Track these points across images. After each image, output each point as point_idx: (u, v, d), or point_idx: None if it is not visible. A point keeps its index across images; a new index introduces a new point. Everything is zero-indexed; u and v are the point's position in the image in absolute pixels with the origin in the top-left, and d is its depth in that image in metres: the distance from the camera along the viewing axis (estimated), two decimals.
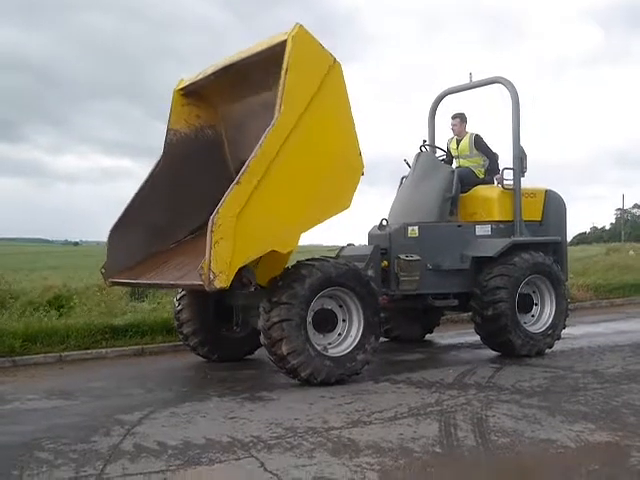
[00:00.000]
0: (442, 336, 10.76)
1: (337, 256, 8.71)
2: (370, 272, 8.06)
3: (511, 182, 9.25)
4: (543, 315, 9.15)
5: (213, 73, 8.29)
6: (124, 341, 9.81)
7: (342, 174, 7.39)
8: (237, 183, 6.69)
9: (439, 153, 10.25)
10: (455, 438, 5.23)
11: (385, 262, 8.43)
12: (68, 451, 5.08)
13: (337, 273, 7.31)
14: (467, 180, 9.48)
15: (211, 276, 6.42)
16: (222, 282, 6.46)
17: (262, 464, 4.70)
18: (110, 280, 8.35)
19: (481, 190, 9.48)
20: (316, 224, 7.31)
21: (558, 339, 9.16)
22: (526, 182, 9.47)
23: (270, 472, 4.53)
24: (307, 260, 7.39)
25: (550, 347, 9.04)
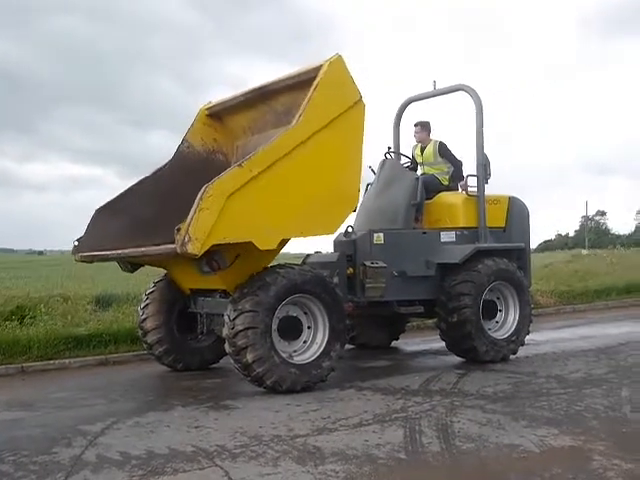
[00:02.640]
0: (407, 343, 10.79)
1: (303, 263, 8.69)
2: (335, 279, 8.05)
3: (475, 189, 9.31)
4: (507, 321, 9.23)
5: (241, 96, 8.67)
6: (87, 351, 9.68)
7: (336, 202, 7.51)
8: (239, 166, 6.83)
9: (404, 160, 10.29)
10: (420, 444, 5.25)
11: (350, 269, 8.43)
12: (28, 463, 5.00)
13: (302, 280, 7.29)
14: (432, 187, 9.53)
15: (186, 238, 6.38)
16: (195, 248, 6.42)
17: (226, 473, 4.66)
18: (80, 254, 8.26)
19: (445, 197, 9.54)
20: (297, 236, 7.36)
21: (522, 345, 9.24)
22: (493, 188, 9.57)
23: None
24: (272, 267, 7.36)
25: (514, 353, 9.11)
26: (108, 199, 8.50)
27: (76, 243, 8.30)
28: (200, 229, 6.45)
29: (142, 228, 8.12)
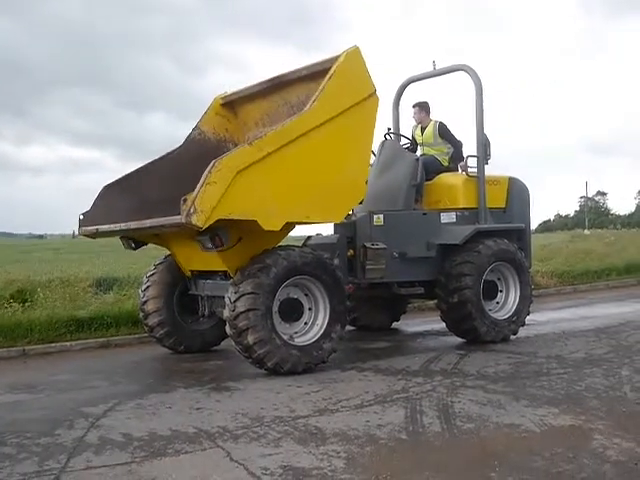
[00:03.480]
0: (408, 324, 10.82)
1: (303, 245, 8.69)
2: (336, 261, 8.06)
3: (475, 169, 9.29)
4: (508, 302, 9.24)
5: (255, 87, 8.79)
6: (89, 334, 9.72)
7: (343, 191, 7.55)
8: (249, 144, 6.89)
9: (403, 141, 10.27)
10: (421, 424, 5.27)
11: (351, 251, 8.43)
12: (31, 445, 5.02)
13: (303, 262, 7.30)
14: (432, 168, 9.51)
15: (191, 210, 6.40)
16: (199, 220, 6.43)
17: (228, 454, 4.69)
18: (83, 228, 8.30)
19: (446, 178, 9.52)
20: (302, 220, 7.38)
21: (522, 325, 9.26)
22: (493, 169, 9.55)
23: (236, 462, 4.52)
24: (272, 249, 7.36)
25: (515, 333, 9.14)
26: (116, 178, 8.59)
27: (81, 217, 8.32)
28: (206, 202, 6.47)
29: (148, 207, 8.11)
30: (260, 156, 6.84)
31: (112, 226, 7.87)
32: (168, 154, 8.80)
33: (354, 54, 7.64)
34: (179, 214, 6.48)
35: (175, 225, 6.72)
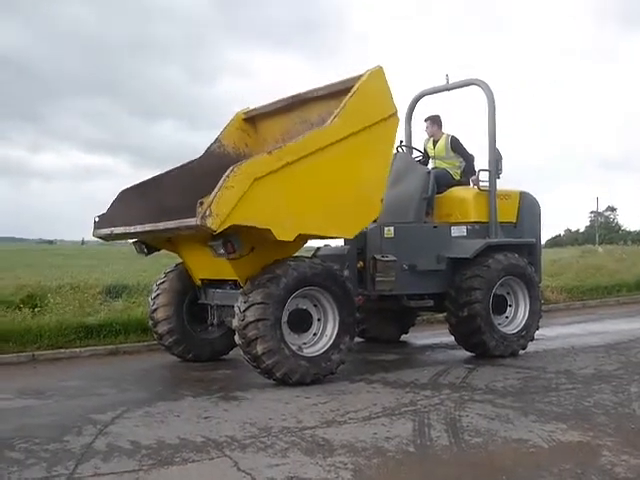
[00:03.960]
0: (417, 337, 10.80)
1: (313, 256, 8.71)
2: (346, 272, 8.06)
3: (487, 184, 9.29)
4: (517, 316, 9.22)
5: (277, 104, 8.93)
6: (98, 340, 9.76)
7: (358, 208, 7.61)
8: (269, 153, 6.96)
9: (415, 154, 10.29)
10: (429, 438, 5.26)
11: (361, 262, 8.43)
12: (39, 450, 5.04)
13: (313, 273, 7.31)
14: (443, 181, 9.52)
15: (207, 212, 6.44)
16: (214, 224, 6.47)
17: (236, 463, 4.69)
18: (98, 230, 8.36)
19: (457, 191, 9.53)
20: (315, 233, 7.42)
21: (531, 340, 9.24)
22: (504, 184, 9.55)
23: (244, 471, 4.53)
24: (283, 259, 7.38)
25: (524, 348, 9.11)
26: (130, 184, 8.66)
27: (96, 219, 8.38)
28: (222, 206, 6.51)
29: (164, 213, 8.10)
30: (278, 166, 6.90)
31: (127, 228, 7.92)
32: (187, 164, 8.87)
33: (377, 73, 7.73)
34: (194, 217, 6.52)
35: (190, 228, 6.75)
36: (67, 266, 21.50)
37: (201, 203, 6.49)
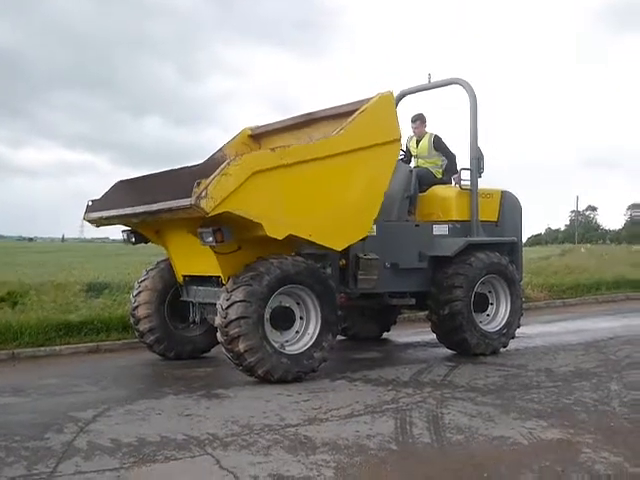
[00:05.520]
0: (399, 335, 10.83)
1: (296, 254, 8.69)
2: (328, 270, 8.06)
3: (468, 182, 9.34)
4: (498, 314, 9.27)
5: (284, 122, 9.15)
6: (79, 338, 9.68)
7: (349, 223, 7.74)
8: (272, 150, 7.20)
9: None
10: (410, 435, 5.28)
11: (343, 260, 8.43)
12: (20, 448, 5.01)
13: (295, 270, 7.31)
14: (425, 180, 9.55)
15: (203, 194, 6.51)
16: (208, 206, 6.53)
17: (218, 461, 4.69)
18: (89, 214, 8.39)
19: (439, 190, 9.56)
20: (305, 237, 7.42)
21: (512, 338, 9.29)
22: (486, 182, 9.59)
23: (226, 469, 4.53)
24: (265, 257, 7.37)
25: (505, 346, 9.17)
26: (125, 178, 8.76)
27: (90, 203, 8.40)
28: (219, 190, 6.59)
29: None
30: (279, 164, 7.01)
31: (119, 211, 7.91)
32: (188, 166, 8.86)
33: (387, 98, 8.00)
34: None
35: (183, 208, 6.77)
36: (47, 264, 21.37)
37: (198, 183, 6.56)
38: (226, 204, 6.66)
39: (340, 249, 7.90)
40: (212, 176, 6.62)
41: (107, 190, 8.57)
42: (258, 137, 9.64)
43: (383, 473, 4.50)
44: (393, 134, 8.04)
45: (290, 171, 7.12)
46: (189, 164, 8.93)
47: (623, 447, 4.96)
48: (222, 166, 6.70)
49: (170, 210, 7.01)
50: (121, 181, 8.68)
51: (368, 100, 7.88)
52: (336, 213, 7.55)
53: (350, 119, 7.68)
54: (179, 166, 8.81)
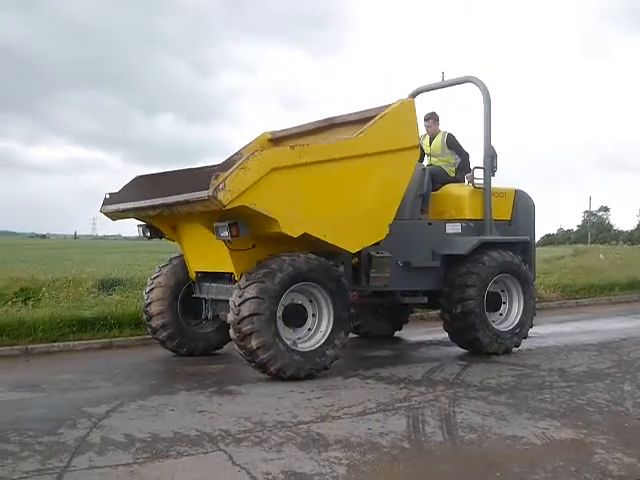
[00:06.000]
0: (411, 333, 10.82)
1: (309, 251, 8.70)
2: (341, 268, 8.06)
3: (482, 181, 9.31)
4: (511, 314, 9.24)
5: (304, 126, 9.23)
6: (92, 334, 9.72)
7: (365, 226, 7.80)
8: (291, 148, 7.28)
9: None
10: (423, 433, 5.28)
11: (356, 258, 8.42)
12: (34, 443, 5.04)
13: (308, 268, 7.32)
14: (438, 178, 9.53)
15: (220, 186, 6.57)
16: (225, 198, 6.58)
17: (230, 457, 4.70)
18: (105, 206, 8.44)
19: (452, 188, 9.54)
20: (319, 237, 7.42)
21: (525, 338, 9.26)
22: (498, 181, 9.56)
23: (239, 466, 4.54)
24: (278, 254, 7.38)
25: (517, 346, 9.14)
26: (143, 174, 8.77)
27: (107, 196, 8.45)
28: (237, 184, 6.65)
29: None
30: (297, 162, 7.08)
31: (136, 203, 7.94)
32: (206, 166, 8.86)
33: (409, 105, 8.13)
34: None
35: (200, 200, 6.80)
36: (60, 260, 21.47)
37: (217, 176, 6.60)
38: (243, 198, 6.70)
39: (354, 251, 7.91)
40: (231, 169, 6.67)
41: (125, 184, 8.60)
42: (277, 141, 9.67)
43: (395, 471, 4.50)
44: (412, 141, 8.10)
45: (308, 170, 7.17)
46: (204, 162, 9.01)
47: (636, 448, 4.94)
48: (241, 160, 6.75)
49: (187, 202, 7.05)
50: (140, 176, 8.72)
51: (389, 106, 7.92)
52: (352, 215, 7.59)
53: (370, 123, 7.72)
54: (190, 163, 8.86)
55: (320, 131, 9.00)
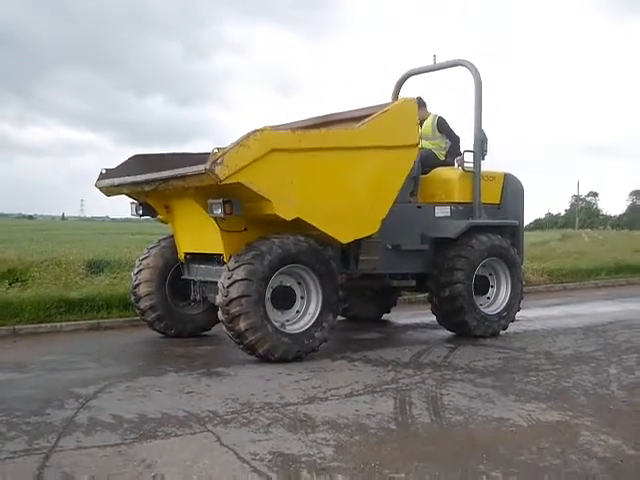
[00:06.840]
0: (399, 316, 10.85)
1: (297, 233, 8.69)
2: (330, 250, 8.06)
3: (471, 165, 9.31)
4: (499, 297, 9.28)
5: (303, 122, 9.21)
6: (79, 315, 9.70)
7: (357, 219, 7.81)
8: (293, 131, 7.39)
9: None
10: (410, 415, 5.30)
11: None
12: (21, 423, 5.03)
13: (297, 250, 7.31)
14: (428, 162, 9.51)
15: (219, 161, 6.58)
16: (222, 173, 6.58)
17: (218, 438, 4.71)
18: (101, 181, 8.42)
19: (441, 172, 9.53)
20: (312, 223, 7.40)
21: (512, 321, 9.31)
22: (488, 165, 9.56)
23: (226, 446, 4.55)
24: (267, 237, 7.37)
25: (504, 329, 9.19)
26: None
27: (103, 171, 8.42)
28: (235, 160, 6.66)
29: None
30: (297, 147, 7.11)
31: (132, 178, 7.93)
32: (206, 153, 8.83)
33: (411, 103, 8.24)
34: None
35: (197, 174, 6.80)
36: (47, 241, 21.35)
37: (214, 151, 6.63)
38: (240, 175, 6.70)
39: (345, 242, 7.90)
40: (230, 145, 6.69)
41: (121, 163, 8.57)
42: None
43: (382, 452, 4.51)
44: (412, 139, 8.13)
45: (307, 156, 7.20)
46: (195, 144, 9.07)
47: (621, 430, 4.98)
48: (242, 136, 6.75)
49: (184, 177, 7.05)
50: (137, 155, 8.70)
51: (394, 102, 7.99)
52: (346, 206, 7.60)
53: (372, 117, 7.76)
54: (180, 145, 8.88)
55: (319, 127, 8.87)
